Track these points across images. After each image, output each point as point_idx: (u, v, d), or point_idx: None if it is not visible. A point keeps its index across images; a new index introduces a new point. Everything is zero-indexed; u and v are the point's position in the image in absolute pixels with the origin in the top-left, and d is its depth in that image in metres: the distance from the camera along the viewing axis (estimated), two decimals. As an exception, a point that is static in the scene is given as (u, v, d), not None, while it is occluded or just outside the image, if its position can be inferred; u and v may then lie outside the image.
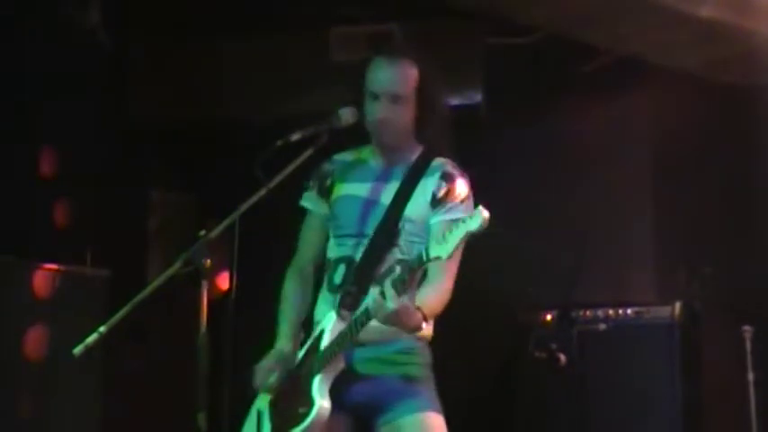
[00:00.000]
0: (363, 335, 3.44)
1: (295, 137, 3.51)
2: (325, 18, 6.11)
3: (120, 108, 6.29)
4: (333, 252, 3.67)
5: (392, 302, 3.27)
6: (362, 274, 3.55)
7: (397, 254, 3.55)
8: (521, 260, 6.12)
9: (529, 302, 6.00)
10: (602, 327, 5.74)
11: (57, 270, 5.41)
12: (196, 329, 3.28)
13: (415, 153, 3.67)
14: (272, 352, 3.62)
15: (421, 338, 3.56)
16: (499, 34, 6.04)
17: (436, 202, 3.57)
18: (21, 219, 5.45)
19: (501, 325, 6.06)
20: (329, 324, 3.53)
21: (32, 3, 5.58)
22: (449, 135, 3.70)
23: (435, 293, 3.48)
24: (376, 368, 3.55)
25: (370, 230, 3.59)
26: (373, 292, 3.34)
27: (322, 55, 6.09)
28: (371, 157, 3.72)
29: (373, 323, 3.38)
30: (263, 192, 3.41)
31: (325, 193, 3.73)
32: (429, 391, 3.59)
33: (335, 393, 3.49)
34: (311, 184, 3.76)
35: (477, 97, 5.98)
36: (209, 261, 3.27)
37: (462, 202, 3.57)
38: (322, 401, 3.46)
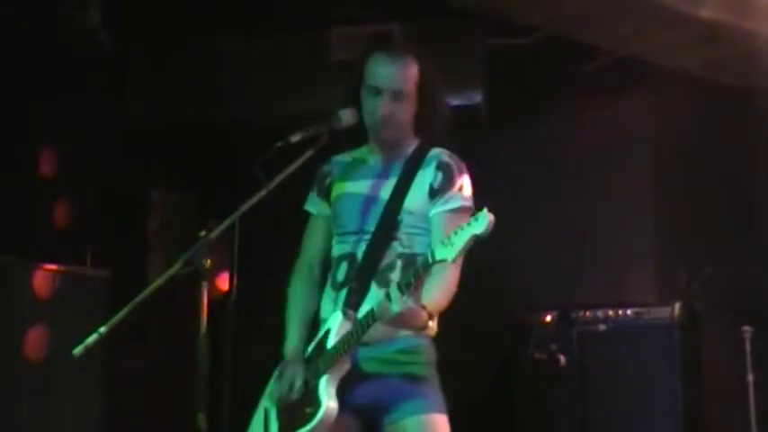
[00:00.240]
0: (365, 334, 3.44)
1: (295, 138, 3.51)
2: (325, 18, 6.10)
3: (120, 108, 6.27)
4: (335, 250, 3.67)
5: (397, 305, 3.27)
6: (364, 271, 3.55)
7: (397, 247, 3.56)
8: (521, 260, 6.12)
9: (529, 303, 6.00)
10: (602, 327, 5.74)
11: (57, 270, 5.41)
12: (196, 330, 3.28)
13: (413, 147, 3.68)
14: (292, 356, 3.59)
15: (424, 336, 3.54)
16: (499, 34, 6.04)
17: (434, 193, 3.57)
18: (21, 219, 5.44)
19: (501, 325, 6.06)
20: (335, 324, 3.52)
21: (32, 3, 5.57)
22: (450, 134, 3.69)
23: (441, 290, 3.46)
24: (379, 367, 3.54)
25: (371, 227, 3.59)
26: (378, 293, 3.34)
27: (322, 55, 6.08)
28: (370, 156, 3.72)
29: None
30: (263, 192, 3.41)
31: (325, 193, 3.74)
32: (434, 391, 3.58)
33: (341, 394, 3.49)
34: (312, 187, 3.77)
35: (478, 97, 5.97)
36: (209, 261, 3.27)
37: (460, 190, 3.57)
38: (329, 402, 3.46)
